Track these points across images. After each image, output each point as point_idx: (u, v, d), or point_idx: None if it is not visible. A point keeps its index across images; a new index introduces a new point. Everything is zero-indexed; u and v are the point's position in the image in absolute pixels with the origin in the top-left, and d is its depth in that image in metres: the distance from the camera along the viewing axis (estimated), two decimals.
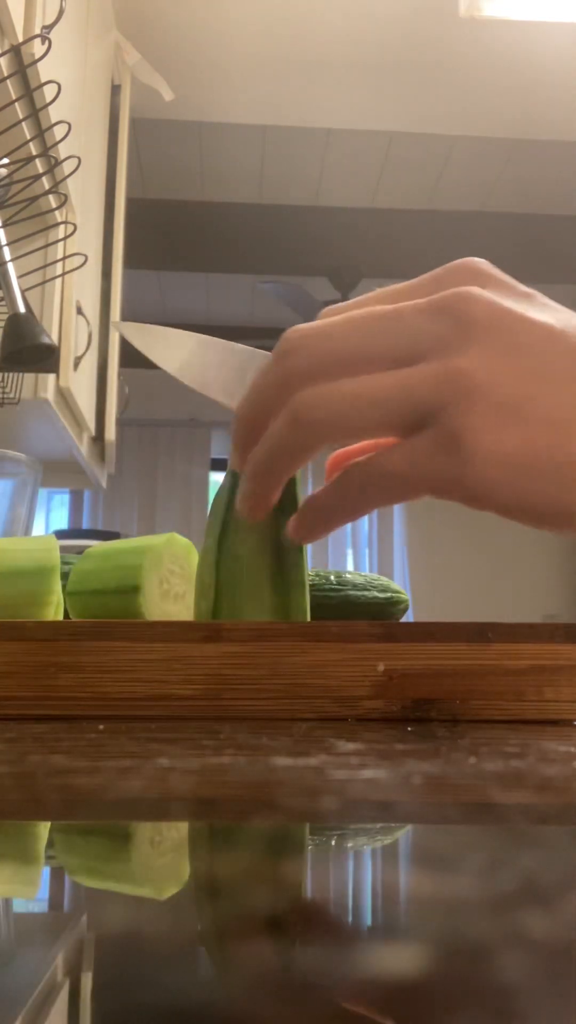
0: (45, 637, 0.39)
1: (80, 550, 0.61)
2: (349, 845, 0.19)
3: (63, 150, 1.31)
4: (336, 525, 0.37)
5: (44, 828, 0.20)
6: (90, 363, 2.04)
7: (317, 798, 0.21)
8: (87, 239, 1.88)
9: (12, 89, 1.21)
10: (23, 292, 1.10)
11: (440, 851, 0.18)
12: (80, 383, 1.89)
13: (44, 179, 1.27)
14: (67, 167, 1.33)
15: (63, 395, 1.78)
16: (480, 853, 0.18)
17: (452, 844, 0.19)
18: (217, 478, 4.58)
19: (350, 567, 4.49)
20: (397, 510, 4.45)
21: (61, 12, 1.29)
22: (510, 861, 0.17)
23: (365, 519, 4.51)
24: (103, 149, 2.17)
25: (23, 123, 1.21)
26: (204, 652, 0.39)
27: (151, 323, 0.49)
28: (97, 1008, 0.11)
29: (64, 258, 1.41)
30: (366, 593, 0.59)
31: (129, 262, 2.45)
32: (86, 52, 1.84)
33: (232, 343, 0.46)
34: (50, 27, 1.25)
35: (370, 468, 0.35)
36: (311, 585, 0.56)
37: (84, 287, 1.87)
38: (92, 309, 2.01)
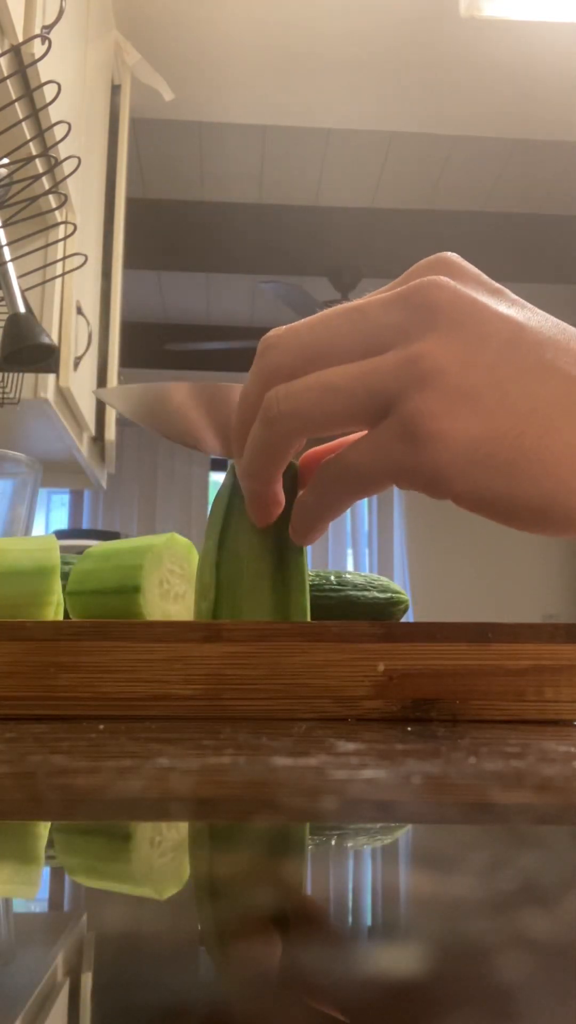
0: (45, 637, 0.39)
1: (80, 550, 0.61)
2: (349, 845, 0.19)
3: (63, 150, 1.31)
4: (322, 524, 0.39)
5: (44, 828, 0.20)
6: (90, 363, 2.04)
7: (317, 798, 0.21)
8: (87, 239, 1.88)
9: (12, 89, 1.21)
10: (23, 292, 1.10)
11: (440, 851, 0.18)
12: (80, 383, 1.89)
13: (44, 179, 1.27)
14: (67, 167, 1.33)
15: (63, 395, 1.78)
16: (480, 853, 0.18)
17: (452, 844, 0.19)
18: (217, 478, 4.59)
19: (350, 567, 4.49)
20: (397, 510, 4.45)
21: (61, 12, 1.29)
22: (510, 861, 0.17)
23: (365, 519, 4.52)
24: (103, 149, 2.17)
25: (23, 123, 1.21)
26: (204, 652, 0.39)
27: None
28: (96, 1008, 0.11)
29: (64, 258, 1.41)
30: (366, 593, 0.59)
31: (129, 262, 2.45)
32: (86, 52, 1.84)
33: (203, 383, 0.47)
34: (50, 27, 1.25)
35: (336, 463, 0.36)
36: (311, 585, 0.56)
37: (84, 287, 1.87)
38: (92, 309, 2.01)
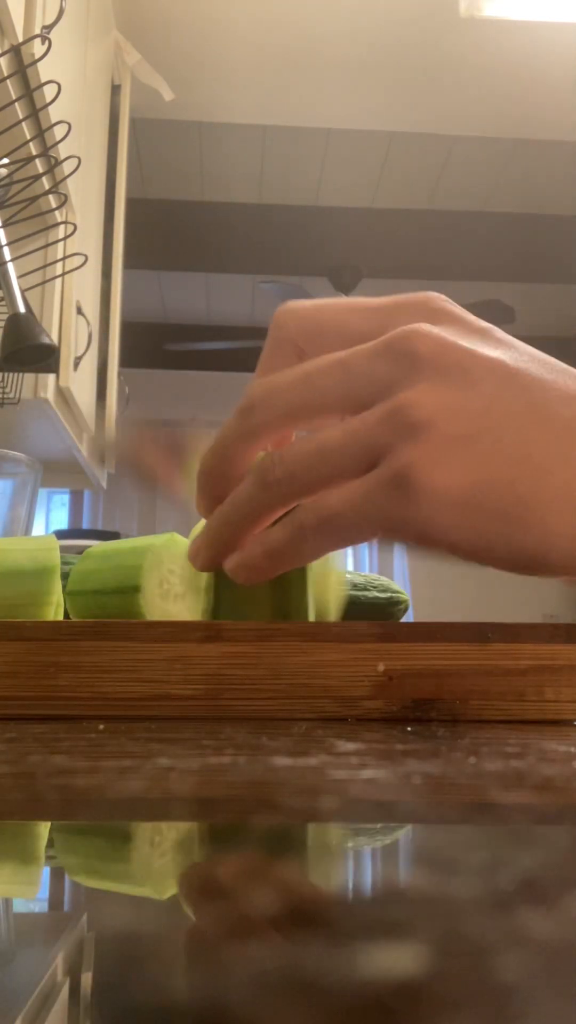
0: (45, 637, 0.39)
1: (80, 550, 0.61)
2: (349, 845, 0.19)
3: (63, 150, 1.31)
4: (283, 569, 0.37)
5: (44, 828, 0.20)
6: (90, 363, 2.04)
7: (317, 798, 0.21)
8: (87, 239, 1.88)
9: (12, 89, 1.21)
10: (23, 292, 1.10)
11: (440, 851, 0.18)
12: (80, 383, 1.89)
13: (44, 179, 1.27)
14: (67, 167, 1.33)
15: (63, 395, 1.78)
16: (480, 853, 0.18)
17: (452, 844, 0.19)
18: None
19: (350, 567, 4.49)
20: None
21: (61, 12, 1.29)
22: (510, 861, 0.17)
23: None
24: (103, 149, 2.17)
25: (23, 123, 1.21)
26: (204, 652, 0.39)
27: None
28: (96, 1008, 0.11)
29: (64, 258, 1.41)
30: (366, 593, 0.59)
31: (129, 262, 2.45)
32: (86, 52, 1.84)
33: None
34: (50, 27, 1.25)
35: (318, 510, 0.34)
36: None
37: (84, 287, 1.87)
38: (92, 309, 2.01)
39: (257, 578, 0.37)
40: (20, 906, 0.15)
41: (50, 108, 1.26)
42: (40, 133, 1.27)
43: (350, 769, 0.25)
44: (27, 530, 0.86)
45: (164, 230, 3.40)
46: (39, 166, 1.29)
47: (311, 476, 0.34)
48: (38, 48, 1.22)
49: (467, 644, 0.39)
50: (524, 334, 0.42)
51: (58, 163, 1.29)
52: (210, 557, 0.38)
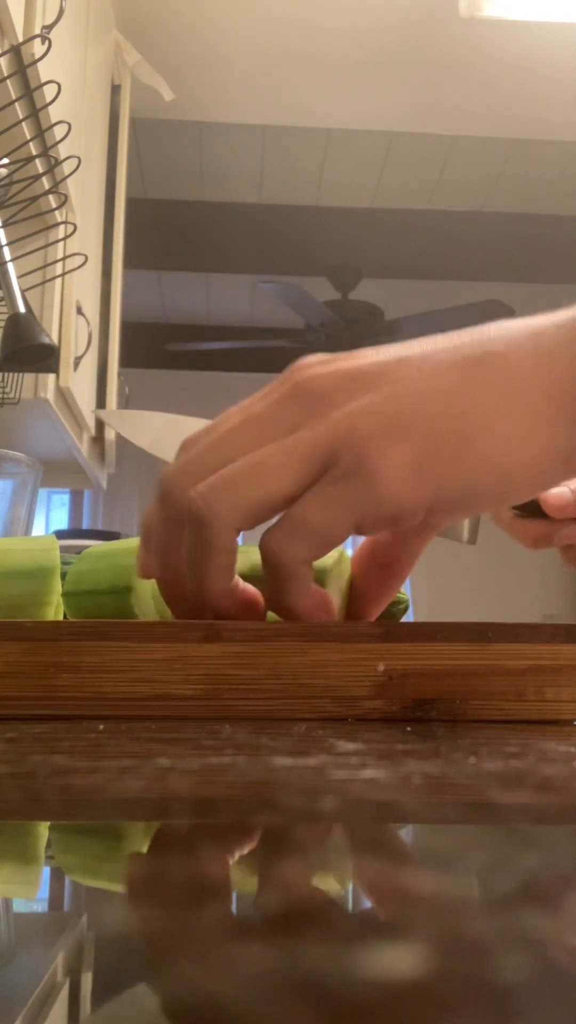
0: (45, 637, 0.39)
1: (80, 550, 0.61)
2: (349, 845, 0.19)
3: (63, 150, 1.31)
4: (296, 599, 0.37)
5: (44, 828, 0.20)
6: (90, 363, 2.04)
7: (317, 798, 0.21)
8: (87, 239, 1.88)
9: (12, 89, 1.21)
10: (23, 292, 1.10)
11: (440, 851, 0.18)
12: (80, 383, 1.89)
13: (44, 179, 1.27)
14: (67, 167, 1.33)
15: (63, 395, 1.78)
16: (480, 853, 0.18)
17: (452, 844, 0.19)
18: None
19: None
20: None
21: (61, 12, 1.29)
22: (510, 861, 0.17)
23: None
24: (103, 149, 2.17)
25: (23, 123, 1.21)
26: (204, 652, 0.39)
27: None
28: (95, 1009, 0.11)
29: (64, 258, 1.41)
30: None
31: (129, 262, 2.45)
32: (86, 52, 1.84)
33: (196, 419, 0.48)
34: (50, 27, 1.25)
35: (289, 529, 0.35)
36: None
37: (84, 287, 1.87)
38: (92, 309, 2.01)
39: (299, 617, 0.38)
40: (20, 906, 0.15)
41: (50, 108, 1.26)
42: (40, 133, 1.27)
43: (350, 769, 0.25)
44: (27, 530, 0.86)
45: (164, 230, 3.40)
46: (39, 166, 1.29)
47: (250, 496, 0.35)
48: (38, 48, 1.22)
49: (467, 644, 0.39)
50: None
51: (58, 163, 1.29)
52: (193, 610, 0.39)
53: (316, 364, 0.36)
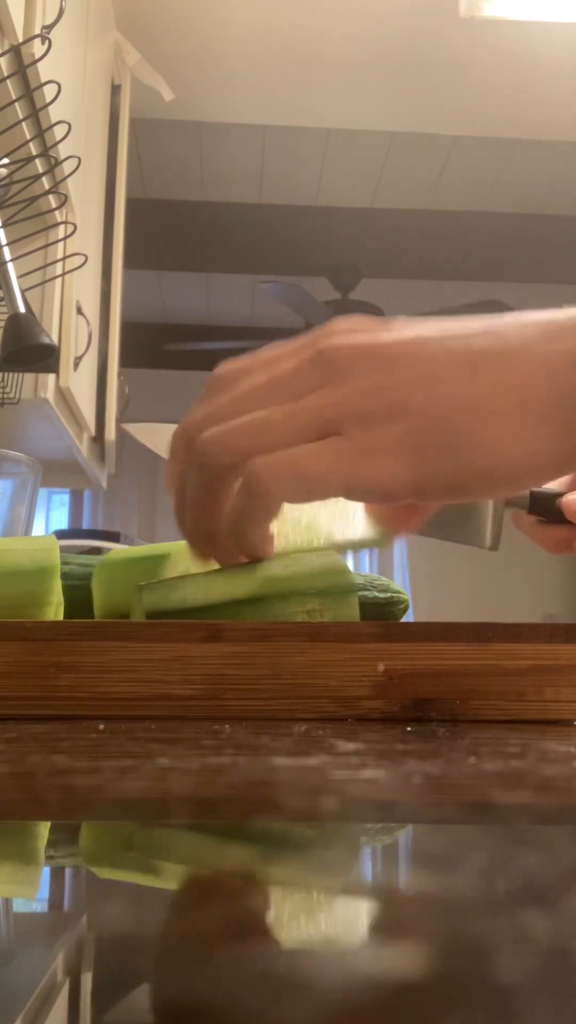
0: (45, 637, 0.39)
1: (80, 550, 0.61)
2: (349, 845, 0.19)
3: (63, 150, 1.31)
4: (253, 528, 0.39)
5: (44, 828, 0.20)
6: (90, 363, 2.04)
7: (317, 798, 0.21)
8: (87, 239, 1.88)
9: (12, 89, 1.21)
10: (23, 292, 1.10)
11: (440, 851, 0.18)
12: (80, 383, 1.89)
13: (44, 179, 1.27)
14: (67, 167, 1.33)
15: (63, 395, 1.78)
16: (480, 853, 0.18)
17: (452, 844, 0.19)
18: None
19: (350, 567, 4.48)
20: None
21: (61, 12, 1.29)
22: (510, 861, 0.17)
23: None
24: (103, 149, 2.17)
25: (23, 123, 1.21)
26: (204, 652, 0.39)
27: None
28: (97, 1008, 0.11)
29: (64, 258, 1.41)
30: (366, 593, 0.59)
31: (129, 262, 2.45)
32: (86, 52, 1.84)
33: None
34: (50, 27, 1.25)
35: (288, 467, 0.37)
36: None
37: (84, 287, 1.87)
38: (92, 309, 2.01)
39: (258, 552, 0.41)
40: (20, 906, 0.15)
41: (50, 108, 1.26)
42: (40, 133, 1.27)
43: (350, 769, 0.25)
44: (27, 530, 0.86)
45: (164, 230, 3.40)
46: (39, 166, 1.29)
47: (249, 444, 0.37)
48: (38, 48, 1.22)
49: (467, 644, 0.39)
50: None
51: (58, 163, 1.29)
52: (199, 552, 0.42)
53: (343, 333, 0.39)
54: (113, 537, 2.19)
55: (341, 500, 0.41)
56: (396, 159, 3.04)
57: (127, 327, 2.53)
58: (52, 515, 4.47)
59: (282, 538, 0.46)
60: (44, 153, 1.27)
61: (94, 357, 2.09)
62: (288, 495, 0.38)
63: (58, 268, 1.49)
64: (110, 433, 2.27)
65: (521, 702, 0.39)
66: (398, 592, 0.60)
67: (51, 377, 1.65)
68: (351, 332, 0.39)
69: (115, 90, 2.30)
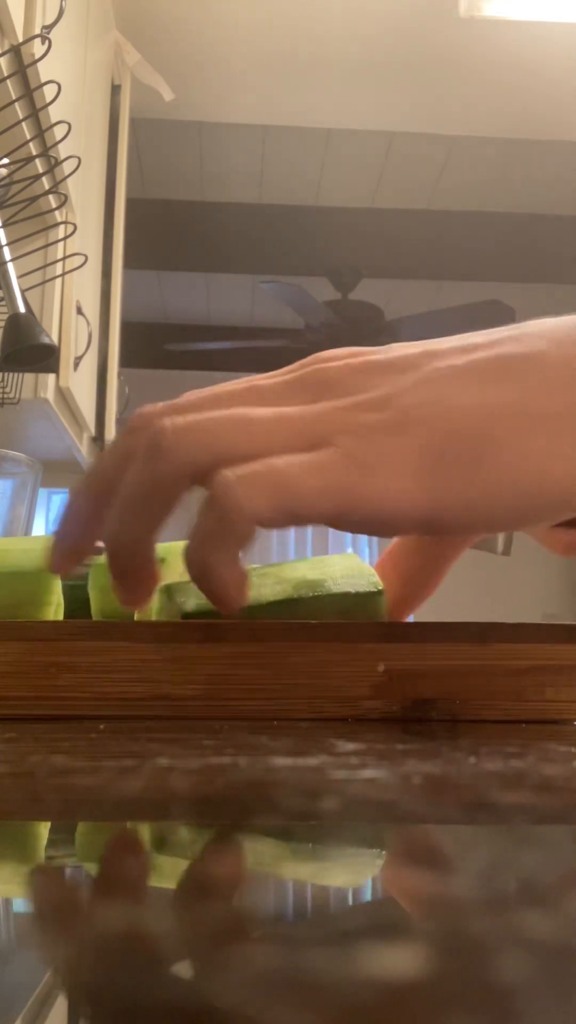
0: (45, 637, 0.39)
1: None
2: (349, 845, 0.19)
3: (63, 150, 1.31)
4: (225, 557, 0.31)
5: (44, 828, 0.20)
6: (90, 363, 2.04)
7: (317, 798, 0.21)
8: (87, 239, 1.88)
9: (12, 89, 1.21)
10: (23, 292, 1.10)
11: (440, 851, 0.18)
12: (80, 383, 1.89)
13: (44, 179, 1.27)
14: (67, 167, 1.33)
15: (63, 395, 1.78)
16: (480, 853, 0.18)
17: (452, 844, 0.19)
18: None
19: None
20: None
21: (61, 12, 1.29)
22: (510, 861, 0.17)
23: None
24: (103, 149, 2.17)
25: (23, 123, 1.21)
26: (204, 652, 0.39)
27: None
28: (97, 1008, 0.11)
29: (64, 258, 1.41)
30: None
31: (129, 262, 2.45)
32: (86, 52, 1.84)
33: None
34: (50, 27, 1.25)
35: (268, 479, 0.30)
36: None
37: (84, 287, 1.87)
38: (92, 309, 2.01)
39: (235, 604, 0.32)
40: (19, 906, 0.15)
41: (50, 108, 1.26)
42: (40, 133, 1.27)
43: (350, 769, 0.25)
44: (27, 530, 0.86)
45: (164, 230, 3.40)
46: (39, 166, 1.29)
47: (222, 443, 0.30)
48: (38, 48, 1.22)
49: (467, 644, 0.39)
50: None
51: (58, 163, 1.29)
52: (125, 588, 0.33)
53: (332, 357, 0.33)
54: None
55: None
56: (396, 159, 3.04)
57: (127, 327, 2.53)
58: (52, 515, 4.47)
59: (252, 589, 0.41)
60: (44, 153, 1.27)
61: (94, 357, 2.09)
62: (265, 515, 0.29)
63: (58, 268, 1.49)
64: (110, 433, 2.27)
65: (521, 702, 0.39)
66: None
67: (51, 377, 1.65)
68: (343, 357, 0.33)
69: (115, 90, 2.30)
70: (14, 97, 1.20)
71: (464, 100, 2.64)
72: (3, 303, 1.12)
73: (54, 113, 1.26)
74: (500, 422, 0.31)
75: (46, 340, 1.08)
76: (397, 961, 0.11)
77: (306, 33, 2.35)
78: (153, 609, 0.46)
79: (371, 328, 3.53)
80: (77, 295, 1.76)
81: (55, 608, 0.49)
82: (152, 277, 3.86)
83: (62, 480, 2.40)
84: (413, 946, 0.12)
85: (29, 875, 0.17)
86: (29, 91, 1.24)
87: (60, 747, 0.30)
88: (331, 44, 2.39)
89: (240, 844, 0.19)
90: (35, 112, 1.25)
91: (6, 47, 1.20)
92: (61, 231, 1.40)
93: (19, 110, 1.21)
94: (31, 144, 1.22)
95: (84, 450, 2.10)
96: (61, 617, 0.50)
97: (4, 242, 1.07)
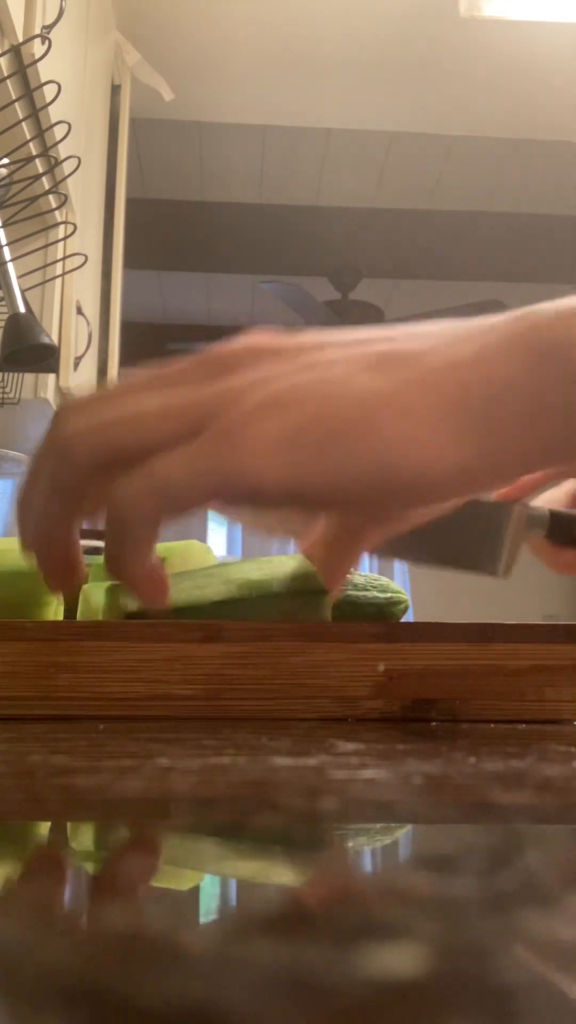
0: (45, 637, 0.39)
1: (80, 550, 0.61)
2: (349, 845, 0.19)
3: (63, 150, 1.31)
4: (140, 558, 0.33)
5: (44, 828, 0.20)
6: (90, 363, 2.04)
7: (317, 798, 0.21)
8: (87, 239, 1.88)
9: (12, 89, 1.21)
10: (23, 292, 1.10)
11: (440, 851, 0.18)
12: (80, 383, 1.89)
13: (44, 179, 1.27)
14: (67, 167, 1.33)
15: (63, 395, 1.78)
16: (480, 853, 0.18)
17: (452, 844, 0.19)
18: None
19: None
20: None
21: (61, 12, 1.29)
22: (510, 861, 0.17)
23: None
24: (103, 149, 2.17)
25: (23, 123, 1.21)
26: (204, 652, 0.39)
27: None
28: (97, 1008, 0.11)
29: (64, 258, 1.41)
30: (366, 593, 0.59)
31: (129, 262, 2.45)
32: (86, 52, 1.84)
33: None
34: (50, 27, 1.25)
35: (144, 480, 0.32)
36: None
37: (84, 287, 1.87)
38: (92, 309, 2.01)
39: (156, 601, 0.34)
40: (20, 905, 0.15)
41: (50, 108, 1.26)
42: (40, 133, 1.27)
43: (350, 769, 0.25)
44: None
45: (164, 230, 3.40)
46: (39, 166, 1.29)
47: (115, 441, 0.33)
48: (38, 48, 1.22)
49: (467, 644, 0.39)
50: None
51: (58, 163, 1.29)
52: (52, 574, 0.36)
53: (240, 339, 0.35)
54: None
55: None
56: (396, 159, 3.04)
57: (127, 327, 2.53)
58: None
59: (197, 590, 0.43)
60: (44, 153, 1.27)
61: (94, 357, 2.09)
62: (152, 514, 0.32)
63: (58, 268, 1.49)
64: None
65: (521, 702, 0.39)
66: (398, 592, 0.60)
67: (51, 377, 1.65)
68: (247, 338, 0.35)
69: (115, 90, 2.30)
70: (14, 97, 1.20)
71: (464, 100, 2.64)
72: (3, 303, 1.12)
73: (54, 113, 1.26)
74: (370, 408, 0.32)
75: (46, 340, 1.08)
76: (397, 961, 0.11)
77: (306, 33, 2.35)
78: (100, 609, 0.46)
79: None
80: (77, 295, 1.76)
81: (55, 608, 0.49)
82: (152, 277, 3.85)
83: None
84: (413, 946, 0.12)
85: (29, 875, 0.17)
86: (29, 91, 1.24)
87: (60, 747, 0.30)
88: (331, 44, 2.39)
89: (240, 844, 0.19)
90: (35, 112, 1.25)
91: (6, 47, 1.20)
92: (61, 231, 1.40)
93: (19, 110, 1.21)
94: (31, 144, 1.22)
95: None
96: (61, 617, 0.50)
97: (4, 242, 1.07)
